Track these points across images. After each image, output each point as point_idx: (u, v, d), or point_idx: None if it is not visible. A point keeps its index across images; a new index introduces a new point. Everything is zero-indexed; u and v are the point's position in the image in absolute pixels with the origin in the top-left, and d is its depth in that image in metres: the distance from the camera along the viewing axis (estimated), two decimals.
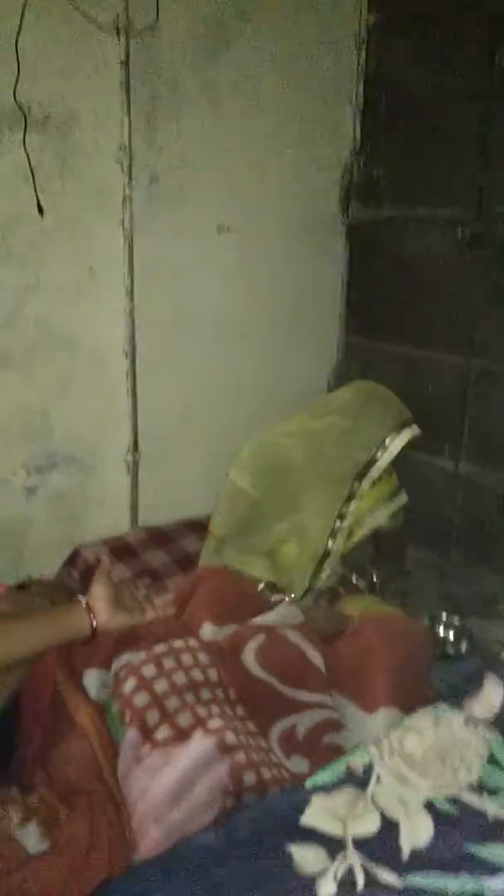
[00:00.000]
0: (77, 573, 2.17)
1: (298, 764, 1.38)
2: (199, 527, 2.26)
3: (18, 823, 1.14)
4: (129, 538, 2.29)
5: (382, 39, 2.37)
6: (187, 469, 2.37)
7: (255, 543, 2.05)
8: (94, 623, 1.31)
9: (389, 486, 2.05)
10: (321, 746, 1.42)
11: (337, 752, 1.40)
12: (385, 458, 1.99)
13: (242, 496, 2.03)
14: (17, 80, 1.80)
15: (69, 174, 1.97)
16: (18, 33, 1.77)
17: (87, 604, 1.34)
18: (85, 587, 2.09)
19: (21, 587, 2.00)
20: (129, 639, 1.49)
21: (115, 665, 1.44)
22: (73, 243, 2.02)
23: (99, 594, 1.34)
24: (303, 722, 1.44)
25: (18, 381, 2.04)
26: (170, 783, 1.24)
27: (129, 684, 1.38)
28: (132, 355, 2.19)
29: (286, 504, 2.02)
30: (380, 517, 2.05)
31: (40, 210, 1.92)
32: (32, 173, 1.87)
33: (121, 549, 2.22)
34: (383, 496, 2.05)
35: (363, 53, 2.39)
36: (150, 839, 1.19)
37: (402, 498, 2.07)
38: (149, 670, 1.40)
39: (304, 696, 1.48)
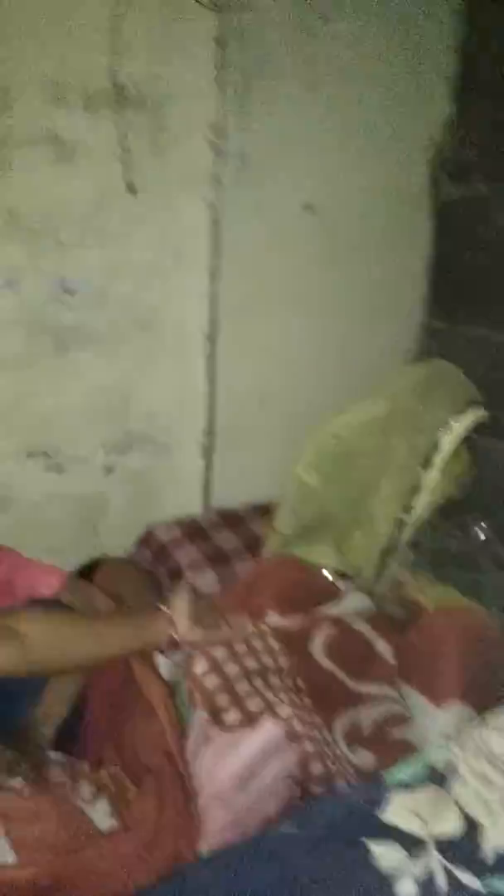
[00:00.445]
0: (149, 553, 2.19)
1: (363, 757, 1.36)
2: (270, 510, 2.25)
3: (89, 799, 1.15)
4: (201, 519, 2.29)
5: (481, 9, 2.26)
6: (261, 452, 2.35)
7: (320, 536, 2.02)
8: (175, 635, 1.29)
9: (459, 466, 1.99)
10: (387, 740, 1.40)
11: (403, 746, 1.38)
12: (448, 441, 1.92)
13: (309, 493, 2.00)
14: (113, 59, 1.79)
15: (160, 153, 1.97)
16: (117, 13, 1.76)
17: (169, 616, 1.32)
18: (157, 567, 2.13)
19: (93, 566, 2.04)
20: None
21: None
22: (161, 223, 2.02)
23: (180, 607, 1.32)
24: (368, 715, 1.43)
25: (102, 360, 2.06)
26: (237, 767, 1.25)
27: (201, 666, 1.38)
28: (212, 337, 2.18)
29: (353, 497, 1.98)
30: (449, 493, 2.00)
31: (131, 189, 1.92)
32: (125, 152, 1.87)
33: (192, 530, 2.22)
34: (453, 476, 1.99)
35: (460, 24, 2.29)
36: (215, 821, 1.20)
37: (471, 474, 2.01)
38: (220, 653, 1.40)
39: (370, 688, 1.47)
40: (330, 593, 1.72)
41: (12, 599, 1.57)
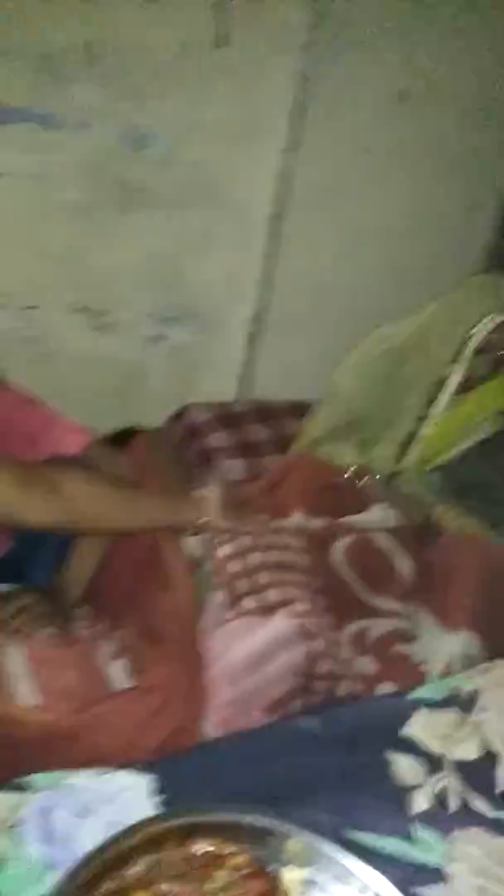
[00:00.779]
0: (180, 431, 2.18)
1: (367, 665, 1.39)
2: (306, 410, 2.21)
3: (109, 658, 1.18)
4: (236, 407, 2.26)
5: None
6: (308, 349, 2.29)
7: (347, 437, 1.99)
8: (203, 520, 1.29)
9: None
10: (390, 653, 1.42)
11: (405, 661, 1.41)
12: (479, 332, 1.85)
13: (342, 400, 1.96)
14: None
15: (256, 6, 1.80)
16: None
17: (203, 500, 1.32)
18: (185, 447, 2.12)
19: (124, 434, 2.03)
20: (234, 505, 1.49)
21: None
22: (243, 84, 1.88)
23: (213, 495, 1.32)
24: (376, 627, 1.44)
25: (161, 225, 1.97)
26: (248, 651, 1.27)
27: (225, 549, 1.39)
28: (277, 217, 2.07)
29: (385, 403, 1.94)
30: (488, 428, 1.95)
31: (219, 42, 1.77)
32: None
33: (225, 417, 2.20)
34: (495, 402, 1.94)
35: None
36: (220, 697, 1.23)
37: None
38: (245, 541, 1.40)
39: (383, 602, 1.48)
40: (356, 502, 1.71)
41: (35, 452, 1.57)
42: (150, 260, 2.02)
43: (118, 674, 1.15)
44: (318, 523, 1.55)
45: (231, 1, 1.74)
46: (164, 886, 0.60)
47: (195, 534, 1.31)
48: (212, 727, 1.17)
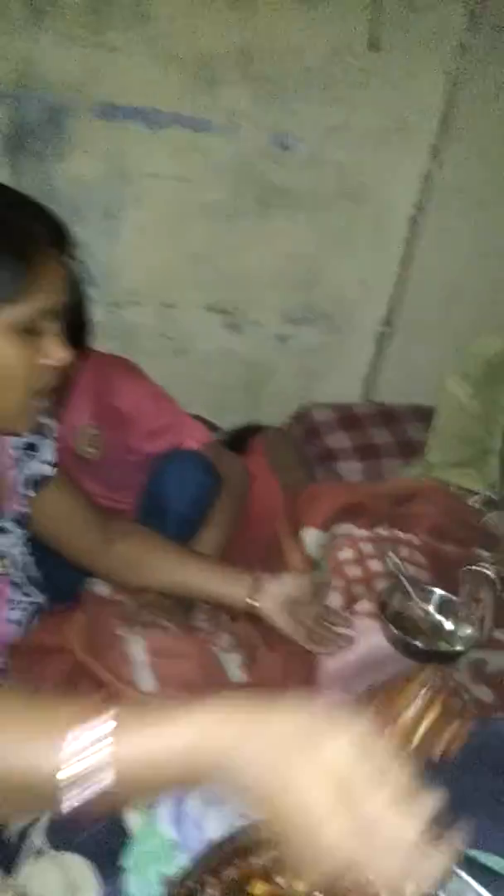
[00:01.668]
0: (301, 430, 2.20)
1: (483, 692, 1.36)
2: (429, 415, 2.19)
3: (227, 648, 1.22)
4: (358, 409, 2.27)
5: None
6: (435, 354, 2.24)
7: (468, 457, 1.94)
8: (254, 604, 1.15)
9: None
10: None
11: None
12: None
13: (458, 410, 1.90)
14: None
15: (412, 10, 1.80)
16: None
17: (260, 584, 1.18)
18: (306, 446, 2.14)
19: (248, 430, 2.08)
20: (354, 509, 1.50)
21: (336, 530, 1.47)
22: (393, 86, 1.88)
23: (282, 590, 1.17)
24: (495, 660, 1.41)
25: (301, 225, 2.00)
26: (361, 654, 1.27)
27: (346, 553, 1.40)
28: (417, 221, 2.06)
29: (490, 420, 1.87)
30: None
31: (372, 45, 1.77)
32: (375, 3, 1.72)
33: (348, 418, 2.21)
34: None
35: None
36: (332, 700, 1.25)
37: None
38: (367, 548, 1.41)
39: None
40: (481, 535, 1.67)
41: (156, 445, 1.62)
42: (287, 261, 2.05)
43: (232, 666, 1.19)
44: (449, 548, 1.53)
45: (378, 3, 1.73)
46: (282, 881, 0.63)
47: (246, 613, 1.18)
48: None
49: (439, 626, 1.31)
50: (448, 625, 1.31)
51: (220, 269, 2.01)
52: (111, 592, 1.27)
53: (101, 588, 1.28)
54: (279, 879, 0.63)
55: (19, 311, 0.80)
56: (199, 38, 1.74)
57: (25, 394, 0.84)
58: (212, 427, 1.92)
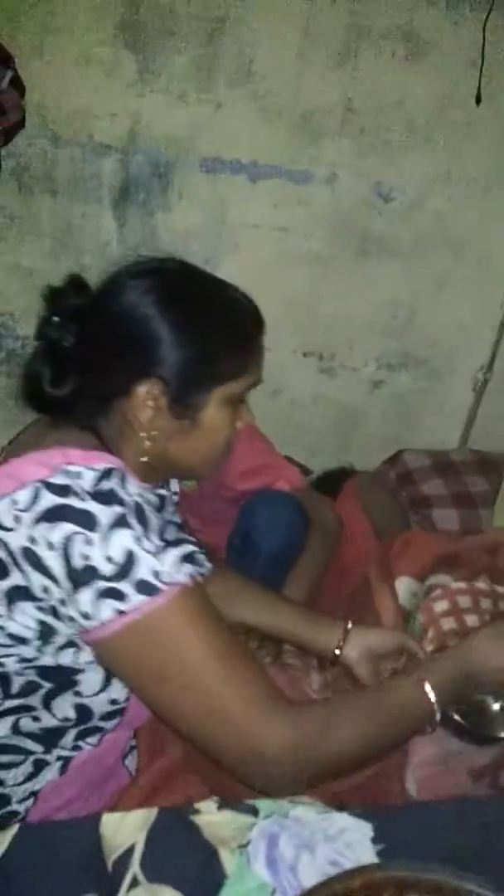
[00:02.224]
0: (394, 475, 2.17)
1: None
2: None
3: (317, 689, 1.20)
4: (454, 456, 2.22)
5: None
6: None
7: None
8: (340, 652, 1.13)
9: None
10: None
11: None
12: None
13: None
14: None
15: None
16: None
17: (348, 632, 1.16)
18: (398, 492, 2.11)
19: (339, 474, 2.07)
20: (450, 560, 1.46)
21: (431, 581, 1.43)
22: (496, 137, 1.88)
23: (367, 642, 1.15)
24: None
25: (399, 273, 2.01)
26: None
27: (441, 605, 1.36)
28: None
29: None
30: None
31: (478, 99, 1.79)
32: (483, 59, 1.74)
33: (443, 464, 2.16)
34: None
35: None
36: (424, 754, 1.20)
37: None
38: (464, 601, 1.37)
39: None
40: None
41: (248, 485, 1.64)
42: (383, 307, 2.06)
43: None
44: None
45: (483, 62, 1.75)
46: None
47: (332, 662, 1.21)
48: (414, 782, 1.15)
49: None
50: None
51: (317, 314, 2.04)
52: None
53: None
54: None
55: (238, 385, 0.91)
56: (303, 93, 1.80)
57: (223, 452, 0.95)
58: (303, 469, 1.92)
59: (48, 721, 0.86)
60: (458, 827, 0.72)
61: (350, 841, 0.67)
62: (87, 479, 0.77)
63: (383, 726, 0.87)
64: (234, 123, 1.78)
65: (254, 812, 0.68)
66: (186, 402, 0.88)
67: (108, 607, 0.75)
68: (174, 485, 1.17)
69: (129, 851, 0.65)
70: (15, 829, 0.66)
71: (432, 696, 0.88)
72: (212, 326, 0.89)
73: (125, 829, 0.67)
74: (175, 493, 1.17)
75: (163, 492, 0.97)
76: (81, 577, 0.75)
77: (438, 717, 0.89)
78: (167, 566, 0.78)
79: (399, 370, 2.16)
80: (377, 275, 2.01)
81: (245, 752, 0.77)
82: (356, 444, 2.25)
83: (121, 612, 0.76)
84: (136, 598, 0.76)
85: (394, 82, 1.81)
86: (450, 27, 1.76)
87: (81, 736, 0.89)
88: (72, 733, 0.88)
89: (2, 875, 0.63)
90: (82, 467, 0.78)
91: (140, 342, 0.86)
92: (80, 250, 1.82)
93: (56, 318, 0.88)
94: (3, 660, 0.81)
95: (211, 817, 0.69)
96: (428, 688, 0.88)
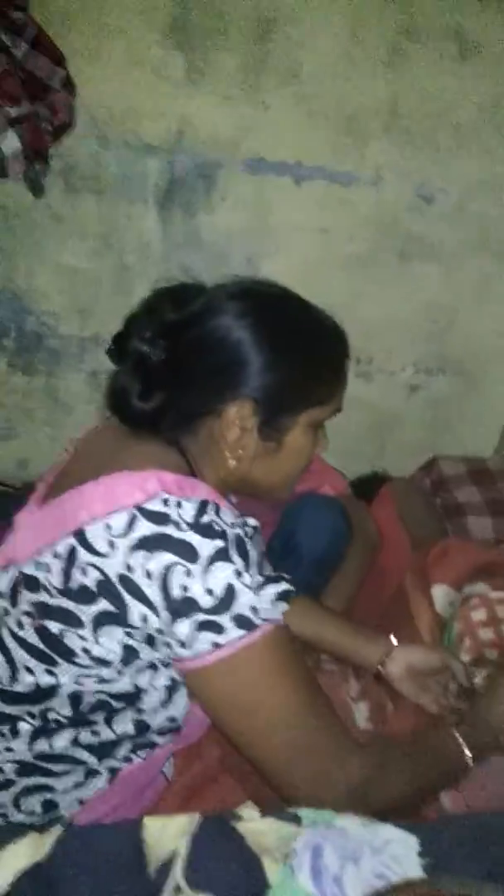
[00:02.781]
0: (428, 482, 2.15)
1: None
2: None
3: (354, 697, 1.20)
4: (491, 463, 2.19)
5: None
6: None
7: None
8: (383, 669, 1.14)
9: None
10: None
11: None
12: None
13: None
14: None
15: None
16: None
17: (391, 649, 1.17)
18: (434, 495, 2.09)
19: (373, 480, 2.06)
20: (488, 568, 1.45)
21: (468, 590, 1.42)
22: None
23: (410, 658, 1.16)
24: None
25: (439, 277, 1.99)
26: None
27: (479, 614, 1.35)
28: None
29: None
30: None
31: None
32: None
33: (478, 472, 2.13)
34: None
35: None
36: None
37: None
38: (502, 610, 1.35)
39: None
40: None
41: (298, 489, 1.63)
42: (423, 311, 2.04)
43: (361, 716, 1.17)
44: None
45: None
46: None
47: (375, 677, 1.16)
48: (447, 795, 1.14)
49: None
50: None
51: (355, 317, 1.98)
52: None
53: None
54: None
55: (325, 411, 0.93)
56: (348, 94, 1.79)
57: (301, 474, 0.97)
58: (341, 476, 1.91)
59: (107, 735, 0.87)
60: None
61: (396, 854, 0.66)
62: (187, 510, 0.78)
63: (427, 774, 0.90)
64: (280, 124, 1.78)
65: (296, 821, 0.68)
66: (275, 425, 0.89)
67: (206, 640, 0.76)
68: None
69: (172, 858, 0.65)
70: (58, 831, 0.66)
71: (464, 744, 0.91)
72: (306, 353, 0.90)
73: (168, 835, 0.67)
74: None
75: (254, 522, 0.98)
76: (180, 607, 0.76)
77: (471, 763, 0.92)
78: (265, 603, 0.79)
79: (436, 375, 2.14)
80: (418, 278, 1.99)
81: (321, 786, 0.80)
82: (391, 449, 2.24)
83: (217, 645, 0.77)
84: (233, 633, 0.77)
85: (442, 84, 1.80)
86: (500, 27, 1.74)
87: (135, 749, 0.90)
88: (126, 746, 0.89)
89: (44, 878, 0.63)
90: (180, 497, 0.78)
91: (233, 364, 0.87)
92: (122, 250, 1.83)
93: (147, 333, 0.88)
94: (81, 680, 0.82)
95: (254, 825, 0.68)
96: (460, 739, 0.92)
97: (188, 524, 0.77)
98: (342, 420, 2.13)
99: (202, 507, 0.78)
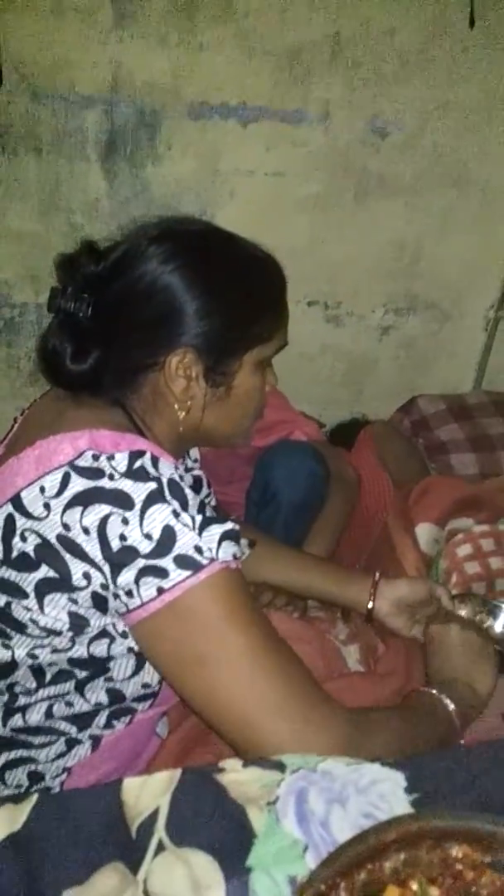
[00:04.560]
0: (409, 423, 2.13)
1: None
2: None
3: (344, 640, 1.18)
4: (470, 399, 2.17)
5: None
6: None
7: None
8: (370, 606, 1.12)
9: None
10: None
11: None
12: None
13: None
14: None
15: None
16: None
17: (377, 585, 1.14)
18: (414, 439, 2.07)
19: (352, 425, 2.03)
20: (471, 503, 1.43)
21: (452, 526, 1.40)
22: (493, 61, 1.79)
23: (397, 593, 1.13)
24: None
25: (400, 212, 1.93)
26: None
27: (464, 550, 1.34)
28: None
29: None
30: None
31: (472, 22, 1.70)
32: None
33: (458, 409, 2.11)
34: None
35: None
36: None
37: None
38: (487, 544, 1.34)
39: None
40: None
41: (269, 441, 1.61)
42: (388, 250, 1.99)
43: (352, 658, 1.15)
44: None
45: None
46: (416, 887, 0.58)
47: (366, 618, 1.14)
48: None
49: None
50: None
51: (319, 261, 1.97)
52: None
53: None
54: (413, 885, 0.58)
55: (269, 348, 0.90)
56: (289, 29, 1.71)
57: (256, 417, 0.94)
58: (317, 423, 1.88)
59: (81, 706, 0.84)
60: (494, 771, 0.69)
61: (383, 792, 0.64)
62: (119, 461, 0.74)
63: (413, 736, 0.83)
64: (219, 65, 1.70)
65: (280, 768, 0.66)
66: (220, 370, 0.86)
67: (150, 586, 0.73)
68: (194, 452, 1.14)
69: (153, 816, 0.62)
70: (34, 799, 0.64)
71: (449, 704, 0.88)
72: (240, 291, 0.86)
73: (147, 793, 0.64)
74: (196, 461, 1.14)
75: (199, 473, 0.94)
76: (121, 558, 0.73)
77: (458, 725, 0.88)
78: (208, 542, 0.74)
79: (407, 314, 2.09)
80: (379, 216, 1.93)
81: (285, 751, 0.71)
82: (368, 393, 2.20)
83: (162, 590, 0.73)
84: (176, 575, 0.72)
85: (382, 10, 1.72)
86: None
87: (114, 716, 0.88)
88: (104, 714, 0.87)
89: (23, 847, 0.61)
90: (113, 451, 0.75)
91: (167, 314, 0.83)
92: (70, 210, 1.76)
93: (69, 289, 0.84)
94: (36, 651, 0.79)
95: (236, 775, 0.66)
96: (445, 699, 0.89)
97: (121, 474, 0.74)
98: (315, 367, 2.12)
99: (135, 457, 0.75)
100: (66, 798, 0.66)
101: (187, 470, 1.09)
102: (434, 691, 0.89)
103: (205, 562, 0.73)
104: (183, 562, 0.73)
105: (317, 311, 2.04)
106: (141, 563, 0.72)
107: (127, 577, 0.73)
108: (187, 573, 0.73)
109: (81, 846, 0.61)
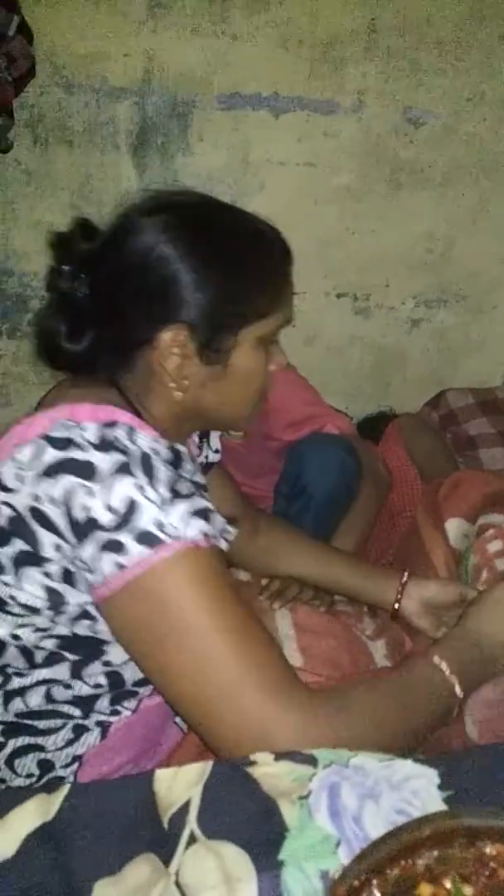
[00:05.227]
0: (437, 416, 2.11)
1: None
2: None
3: (371, 636, 1.17)
4: (499, 393, 2.15)
5: None
6: None
7: None
8: (397, 606, 1.11)
9: None
10: None
11: None
12: None
13: None
14: None
15: None
16: None
17: (405, 585, 1.13)
18: (442, 432, 2.05)
19: (381, 418, 2.02)
20: (502, 498, 1.41)
21: (483, 521, 1.38)
22: None
23: (425, 594, 1.12)
24: None
25: (432, 204, 1.92)
26: None
27: (495, 545, 1.31)
28: None
29: None
30: None
31: None
32: None
33: (487, 403, 2.09)
34: None
35: None
36: (482, 696, 1.17)
37: None
38: None
39: None
40: None
41: (300, 435, 1.60)
42: (419, 241, 1.97)
43: (378, 654, 1.15)
44: None
45: None
46: (450, 885, 0.58)
47: (392, 616, 1.14)
48: (474, 725, 1.12)
49: None
50: None
51: (350, 253, 1.96)
52: (251, 578, 1.25)
53: (240, 574, 1.26)
54: (446, 883, 0.58)
55: (269, 325, 0.85)
56: (322, 18, 1.70)
57: (258, 398, 0.89)
58: (345, 416, 1.87)
59: (81, 689, 0.83)
60: None
61: (416, 788, 0.63)
62: (90, 431, 0.72)
63: (403, 710, 0.78)
64: (252, 55, 1.69)
65: (312, 762, 0.65)
66: (216, 347, 0.82)
67: (110, 562, 0.70)
68: (215, 441, 1.13)
69: (185, 807, 0.62)
70: (66, 789, 0.64)
71: (446, 669, 0.82)
72: (236, 262, 0.82)
73: (179, 785, 0.65)
74: (217, 451, 1.13)
75: (180, 447, 0.91)
76: (84, 529, 0.70)
77: (460, 692, 0.82)
78: (173, 518, 0.71)
79: (437, 307, 2.07)
80: (411, 207, 1.92)
81: (250, 741, 0.68)
82: (396, 386, 2.19)
83: (121, 567, 0.70)
84: (136, 551, 0.69)
85: None
86: None
87: (117, 700, 0.86)
88: (106, 698, 0.85)
89: (55, 837, 0.61)
90: (87, 420, 0.73)
91: (159, 286, 0.80)
92: (100, 202, 1.76)
93: (66, 268, 0.82)
94: (19, 631, 0.79)
95: (268, 769, 0.66)
96: (443, 664, 0.82)
97: (91, 444, 0.72)
98: (344, 359, 2.11)
99: (107, 427, 0.73)
100: (98, 788, 0.67)
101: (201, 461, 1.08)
102: (435, 658, 0.83)
103: (167, 539, 0.70)
104: (143, 537, 0.70)
105: (346, 302, 2.03)
106: (102, 536, 0.70)
107: (90, 550, 0.71)
108: (147, 550, 0.70)
109: (114, 837, 0.61)
